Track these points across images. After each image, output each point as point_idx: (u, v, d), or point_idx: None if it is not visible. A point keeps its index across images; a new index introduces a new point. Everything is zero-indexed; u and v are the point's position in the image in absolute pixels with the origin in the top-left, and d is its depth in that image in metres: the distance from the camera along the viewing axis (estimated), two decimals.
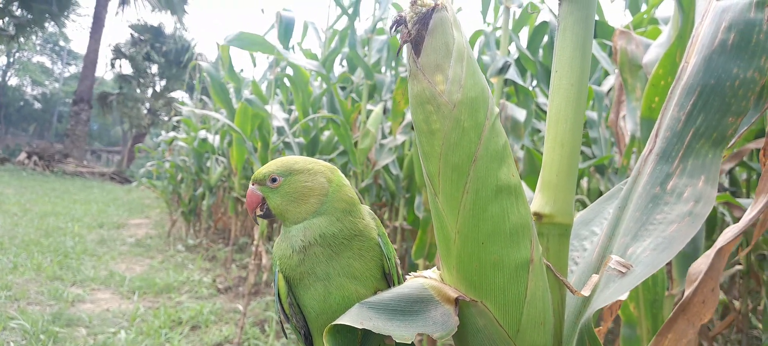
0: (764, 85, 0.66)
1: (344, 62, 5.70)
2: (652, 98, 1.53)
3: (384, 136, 4.64)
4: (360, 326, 0.55)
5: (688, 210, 0.63)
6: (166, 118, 28.91)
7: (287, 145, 4.53)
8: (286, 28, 3.72)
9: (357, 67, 5.10)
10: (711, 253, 0.74)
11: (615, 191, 0.81)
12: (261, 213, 0.72)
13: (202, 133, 7.50)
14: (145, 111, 29.90)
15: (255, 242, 4.14)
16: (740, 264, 2.97)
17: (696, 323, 0.75)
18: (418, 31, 0.56)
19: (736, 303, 3.11)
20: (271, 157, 4.40)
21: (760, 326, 3.14)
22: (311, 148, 4.75)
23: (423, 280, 0.62)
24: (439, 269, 0.65)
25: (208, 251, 7.33)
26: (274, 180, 0.69)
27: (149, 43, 28.76)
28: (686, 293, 0.75)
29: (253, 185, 0.70)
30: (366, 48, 4.96)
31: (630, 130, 1.75)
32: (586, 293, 0.63)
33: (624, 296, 0.60)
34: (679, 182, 0.66)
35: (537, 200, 0.65)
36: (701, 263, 0.77)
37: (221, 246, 7.73)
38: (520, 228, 0.58)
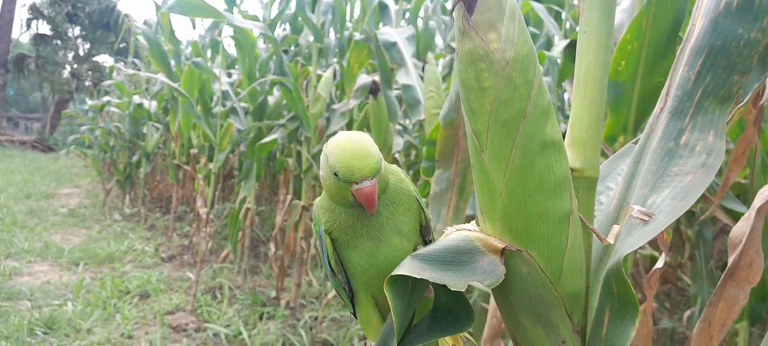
0: (766, 45, 0.71)
1: (286, 26, 5.59)
2: (619, 62, 1.60)
3: (333, 101, 4.62)
4: (418, 277, 0.57)
5: (702, 162, 0.68)
6: (90, 84, 27.51)
7: (233, 111, 4.44)
8: None
9: (302, 30, 5.01)
10: (751, 214, 0.79)
11: (627, 149, 0.86)
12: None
13: (137, 99, 7.22)
14: (67, 75, 28.30)
15: (204, 211, 4.06)
16: None
17: (746, 288, 0.80)
18: None
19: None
20: (216, 123, 4.31)
21: (686, 278, 3.36)
22: (258, 114, 4.67)
23: (467, 232, 0.64)
24: (477, 223, 0.68)
25: (147, 219, 7.12)
26: (381, 163, 0.67)
27: (70, 2, 27.07)
28: (731, 258, 0.80)
29: (373, 178, 0.65)
30: (311, 10, 4.87)
31: None
32: (610, 240, 0.68)
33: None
34: (691, 136, 0.70)
35: (568, 155, 0.69)
36: (743, 226, 0.82)
37: (159, 215, 7.53)
38: (563, 181, 0.61)
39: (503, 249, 0.61)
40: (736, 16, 0.73)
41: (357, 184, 0.64)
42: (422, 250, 0.62)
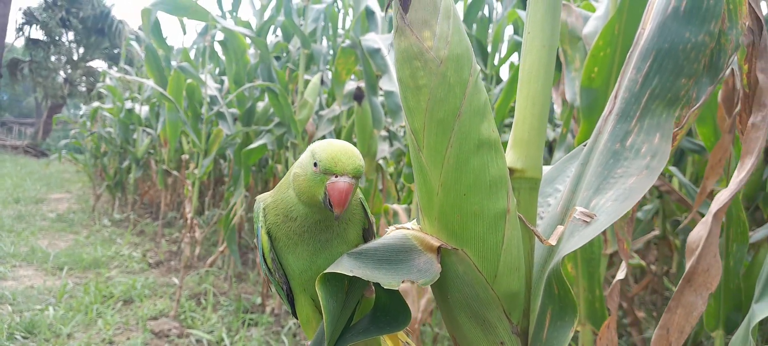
0: (715, 49, 0.71)
1: (278, 32, 5.60)
2: (592, 68, 1.60)
3: (321, 107, 4.62)
4: (350, 274, 0.57)
5: (646, 164, 0.68)
6: (84, 89, 27.43)
7: (220, 116, 4.43)
8: None
9: (292, 37, 5.02)
10: (708, 219, 0.79)
11: (576, 151, 0.86)
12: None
13: (129, 104, 7.21)
14: (61, 81, 28.22)
15: (190, 216, 4.05)
16: (656, 230, 3.18)
17: (704, 293, 0.80)
18: None
19: (653, 267, 3.34)
20: (204, 129, 4.30)
21: (673, 287, 3.37)
22: (246, 119, 4.66)
23: (405, 231, 0.64)
24: (417, 222, 0.68)
25: (136, 225, 7.09)
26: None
27: (64, 8, 27.02)
28: (689, 264, 0.80)
29: (353, 178, 0.64)
30: (302, 18, 4.88)
31: (569, 99, 1.83)
32: (553, 242, 0.67)
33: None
34: (637, 139, 0.70)
35: (509, 156, 0.69)
36: (700, 230, 0.82)
37: (149, 220, 7.50)
38: (499, 180, 0.61)
39: (439, 247, 0.61)
40: (684, 19, 0.74)
41: (336, 177, 0.63)
42: (359, 248, 0.61)
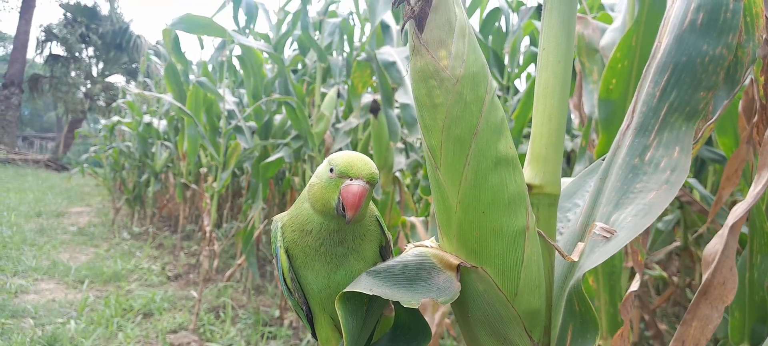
0: (732, 62, 0.71)
1: (295, 45, 5.64)
2: (610, 80, 1.59)
3: (338, 120, 4.64)
4: (369, 293, 0.57)
5: (665, 179, 0.67)
6: (103, 104, 27.82)
7: (238, 129, 4.47)
8: (247, 11, 3.66)
9: (309, 51, 5.06)
10: (724, 232, 0.79)
11: (595, 166, 0.86)
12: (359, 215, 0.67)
13: (147, 118, 7.30)
14: (81, 95, 28.67)
15: (208, 229, 4.08)
16: (677, 241, 3.14)
17: (719, 307, 0.79)
18: (422, 8, 0.58)
19: (675, 279, 3.29)
20: (222, 143, 4.34)
21: None
22: (264, 133, 4.70)
23: (424, 249, 0.64)
24: (436, 239, 0.68)
25: (155, 238, 7.16)
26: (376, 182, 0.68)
27: (84, 24, 27.50)
28: (705, 277, 0.79)
29: (367, 183, 0.65)
30: (318, 31, 4.92)
31: (587, 111, 1.82)
32: (575, 257, 0.67)
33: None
34: (656, 153, 0.70)
35: (527, 172, 0.68)
36: (715, 244, 0.81)
37: (168, 233, 7.57)
38: (517, 197, 0.61)
39: (458, 265, 0.61)
40: (701, 32, 0.73)
41: (350, 180, 0.65)
42: (377, 266, 0.61)
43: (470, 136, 0.59)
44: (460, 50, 0.58)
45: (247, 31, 5.18)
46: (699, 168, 2.97)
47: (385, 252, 0.74)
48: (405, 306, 0.57)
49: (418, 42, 0.59)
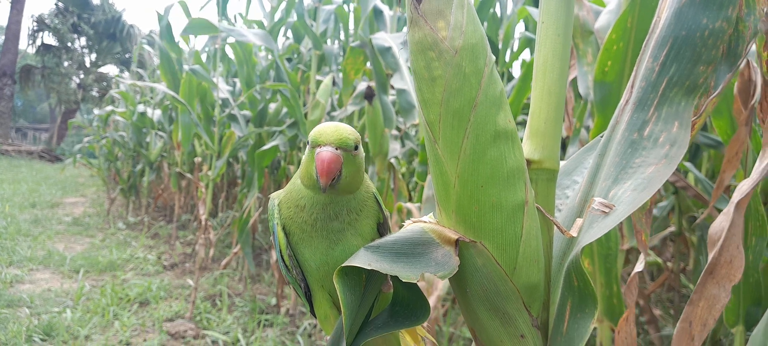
0: (733, 35, 0.70)
1: (289, 33, 5.61)
2: (605, 63, 1.59)
3: (333, 108, 4.62)
4: (368, 268, 0.56)
5: (665, 153, 0.67)
6: (96, 94, 27.66)
7: (232, 118, 4.45)
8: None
9: (303, 38, 5.03)
10: (730, 209, 0.78)
11: (594, 143, 0.85)
12: (335, 181, 0.65)
13: (141, 108, 7.26)
14: (74, 86, 28.48)
15: (204, 218, 4.07)
16: (672, 226, 3.15)
17: (727, 285, 0.79)
18: None
19: (669, 264, 3.31)
20: (217, 131, 4.32)
21: (690, 285, 3.33)
22: (258, 121, 4.68)
23: (423, 224, 0.64)
24: (434, 215, 0.67)
25: (151, 228, 7.14)
26: (356, 147, 0.66)
27: (76, 13, 27.26)
28: (711, 255, 0.79)
29: (336, 149, 0.64)
30: (313, 19, 4.89)
31: (582, 93, 1.82)
32: (573, 233, 0.67)
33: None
34: (655, 128, 0.69)
35: (526, 147, 0.68)
36: (721, 222, 0.81)
37: (163, 223, 7.55)
38: (516, 171, 0.60)
39: (457, 240, 0.61)
40: (701, 6, 0.72)
41: (320, 147, 0.64)
42: (376, 242, 0.61)
43: (469, 109, 0.58)
44: (459, 21, 0.57)
45: (235, 18, 5.15)
46: (693, 154, 2.97)
47: (382, 228, 0.73)
48: (403, 281, 0.57)
49: (416, 13, 0.58)
